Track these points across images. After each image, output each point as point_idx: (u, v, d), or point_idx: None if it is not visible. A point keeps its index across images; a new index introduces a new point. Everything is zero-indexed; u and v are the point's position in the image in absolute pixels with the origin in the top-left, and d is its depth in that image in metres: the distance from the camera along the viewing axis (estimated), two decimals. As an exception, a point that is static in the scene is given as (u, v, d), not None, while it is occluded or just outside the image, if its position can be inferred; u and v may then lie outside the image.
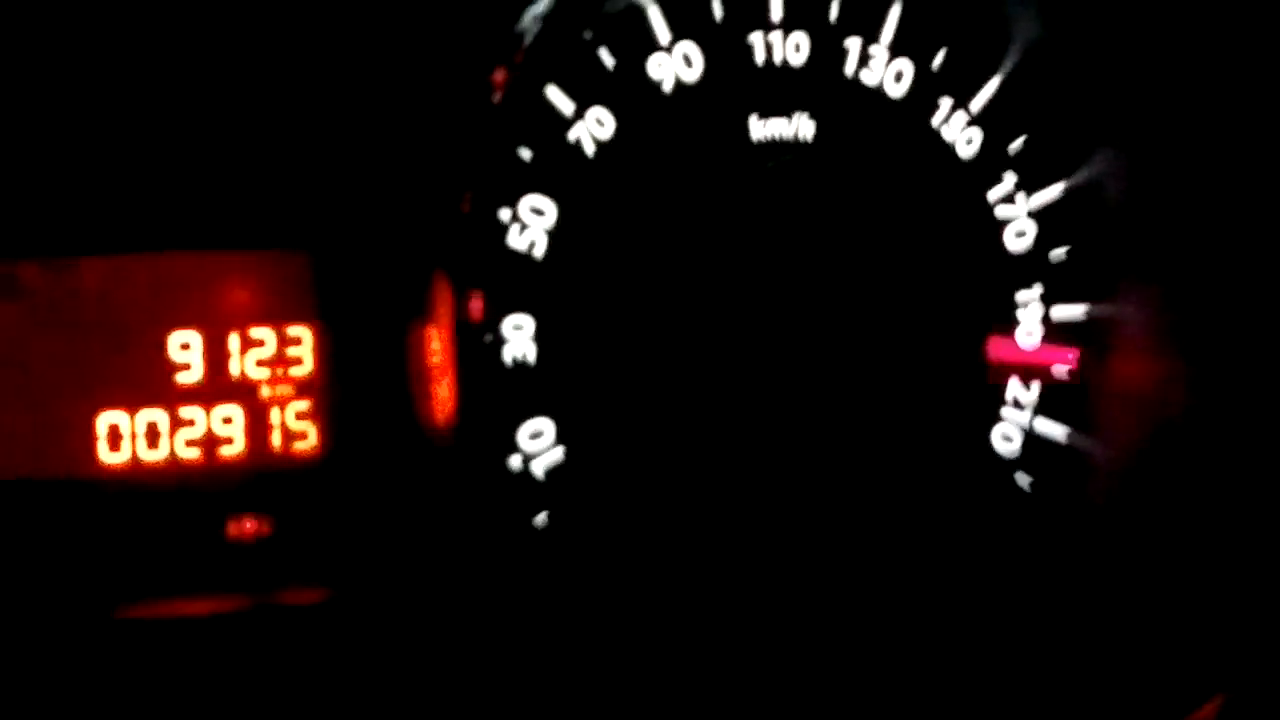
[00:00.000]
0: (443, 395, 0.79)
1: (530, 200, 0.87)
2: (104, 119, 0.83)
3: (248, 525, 0.86)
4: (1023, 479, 0.97)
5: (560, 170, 0.87)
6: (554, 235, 0.88)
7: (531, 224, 0.87)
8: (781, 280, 0.90)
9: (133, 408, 0.85)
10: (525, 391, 0.88)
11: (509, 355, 0.87)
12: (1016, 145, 0.95)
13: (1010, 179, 0.95)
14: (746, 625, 0.90)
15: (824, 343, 0.90)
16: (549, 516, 0.88)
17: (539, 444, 0.88)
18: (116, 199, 0.84)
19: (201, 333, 0.85)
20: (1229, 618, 0.89)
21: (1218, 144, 0.91)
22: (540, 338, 0.88)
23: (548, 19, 0.76)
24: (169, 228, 0.84)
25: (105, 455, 0.85)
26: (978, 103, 0.94)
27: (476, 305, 0.78)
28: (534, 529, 0.87)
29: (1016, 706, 0.89)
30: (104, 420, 0.85)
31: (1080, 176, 0.96)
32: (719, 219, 0.89)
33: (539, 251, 0.87)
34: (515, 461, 0.88)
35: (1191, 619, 0.90)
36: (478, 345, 0.80)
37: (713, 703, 0.87)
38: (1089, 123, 0.95)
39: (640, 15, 0.88)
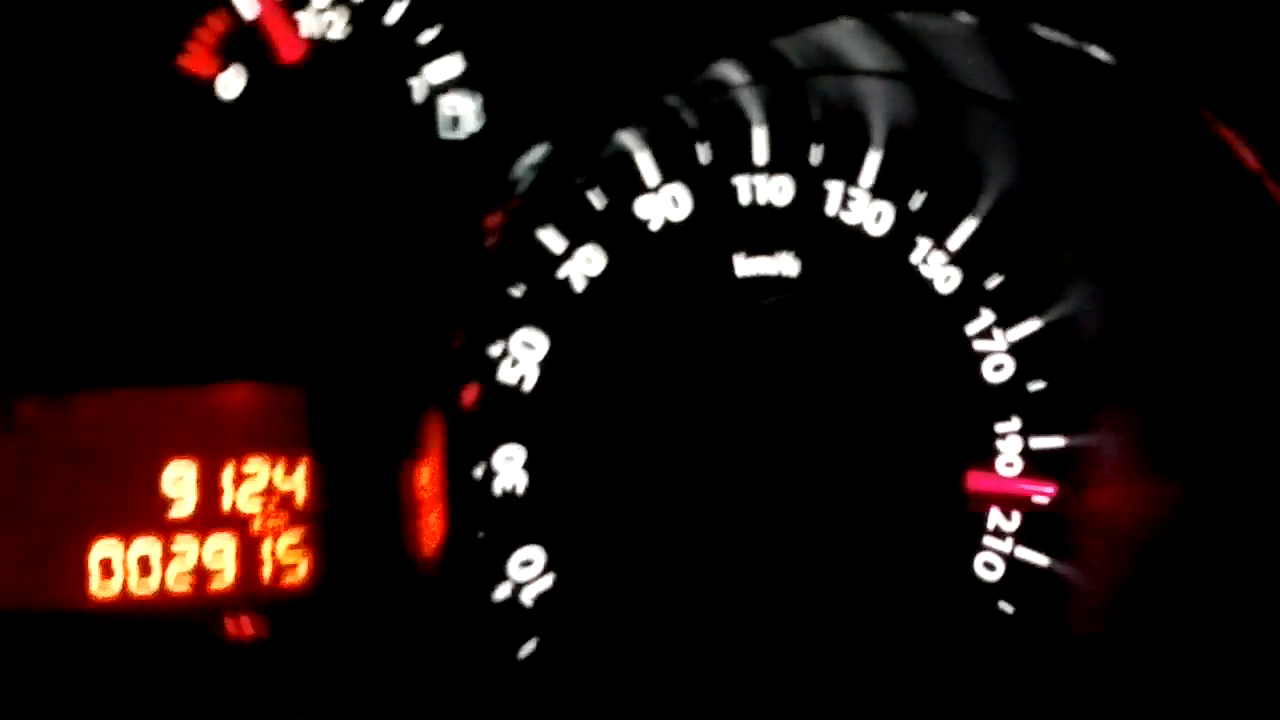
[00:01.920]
0: (432, 527, 0.80)
1: (521, 335, 0.89)
2: (101, 257, 0.85)
3: (245, 628, 0.87)
4: (1006, 606, 0.98)
5: (550, 306, 0.90)
6: (545, 368, 0.90)
7: (522, 358, 0.89)
8: (767, 414, 0.92)
9: (126, 539, 0.86)
10: (515, 521, 0.89)
11: (499, 486, 0.89)
12: (994, 282, 0.98)
13: (988, 314, 0.98)
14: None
15: (809, 475, 0.92)
16: (538, 645, 0.89)
17: (529, 572, 0.89)
18: (113, 334, 0.86)
19: (195, 464, 0.87)
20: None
21: (1190, 278, 0.94)
22: (531, 468, 0.89)
23: (542, 167, 0.79)
24: (165, 362, 0.86)
25: (96, 588, 0.85)
26: (955, 242, 0.97)
27: (465, 439, 0.80)
28: (521, 658, 0.87)
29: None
30: (96, 553, 0.85)
31: (1056, 311, 0.99)
32: (705, 354, 0.92)
33: (529, 385, 0.90)
34: (504, 591, 0.89)
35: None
36: (466, 478, 0.81)
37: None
38: (1064, 260, 0.99)
39: (629, 159, 0.91)
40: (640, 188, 0.92)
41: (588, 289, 0.91)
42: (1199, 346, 0.94)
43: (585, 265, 0.91)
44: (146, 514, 0.86)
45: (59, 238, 0.84)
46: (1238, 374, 0.93)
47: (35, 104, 0.83)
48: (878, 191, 0.96)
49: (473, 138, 0.88)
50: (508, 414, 0.89)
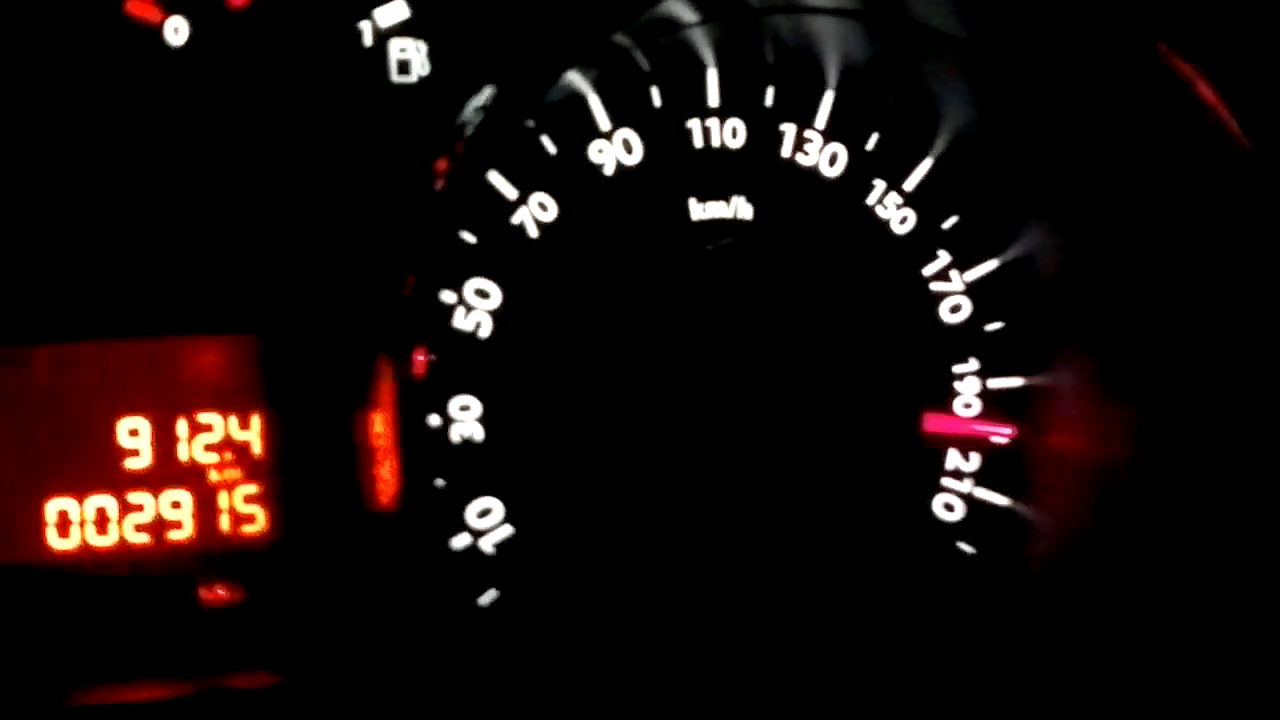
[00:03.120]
0: (386, 476, 0.80)
1: (475, 283, 0.89)
2: (50, 207, 0.85)
3: (219, 592, 0.87)
4: (966, 546, 0.99)
5: (504, 253, 0.89)
6: (499, 317, 0.89)
7: (476, 306, 0.89)
8: (723, 357, 0.92)
9: (81, 494, 0.85)
10: (472, 470, 0.89)
11: (456, 435, 0.89)
12: (950, 223, 0.98)
13: (945, 256, 0.98)
14: (694, 695, 0.91)
15: (766, 418, 0.92)
16: (498, 593, 0.89)
17: (487, 521, 0.90)
18: (64, 287, 0.85)
19: (150, 418, 0.86)
20: (1170, 681, 0.91)
21: (1146, 216, 0.94)
22: (487, 417, 0.89)
23: (489, 109, 0.78)
24: (116, 314, 0.86)
25: (54, 541, 0.85)
26: (911, 183, 0.97)
27: (417, 386, 0.80)
28: (480, 606, 0.88)
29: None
30: (53, 507, 0.85)
31: (1013, 252, 0.99)
32: (660, 299, 0.91)
33: (484, 333, 0.89)
34: (463, 540, 0.89)
35: (1131, 683, 0.92)
36: (419, 426, 0.81)
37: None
38: (1020, 200, 0.99)
39: (581, 103, 0.91)
40: (592, 132, 0.91)
41: (541, 236, 0.90)
42: (1156, 284, 0.95)
43: (538, 211, 0.90)
44: (103, 467, 0.85)
45: (7, 189, 0.83)
46: (1193, 310, 0.93)
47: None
48: (832, 133, 0.95)
49: (422, 82, 0.87)
50: (463, 363, 0.89)
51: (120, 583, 0.86)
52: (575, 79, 0.89)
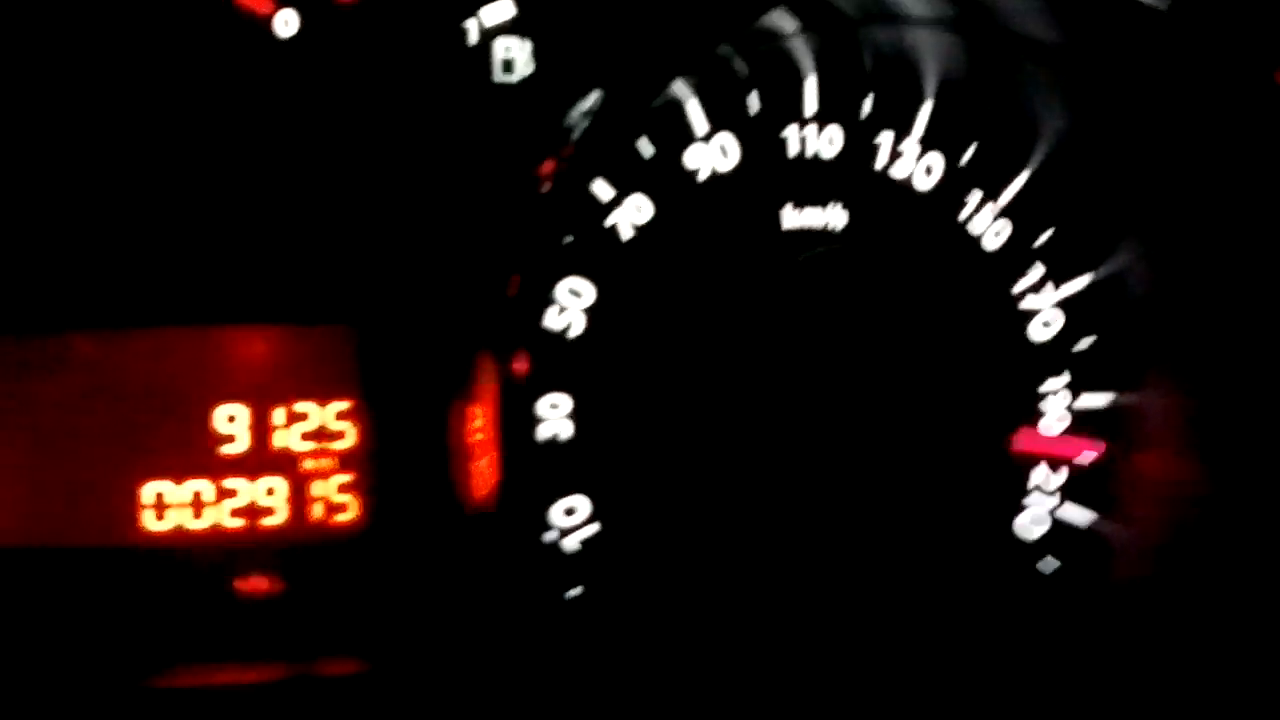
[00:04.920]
0: (483, 471, 0.80)
1: (568, 282, 0.90)
2: (159, 194, 0.86)
3: (256, 583, 0.88)
4: (1048, 563, 0.98)
5: (598, 254, 0.90)
6: (590, 316, 0.90)
7: (569, 305, 0.90)
8: (811, 366, 0.92)
9: (178, 478, 0.87)
10: (560, 469, 0.90)
11: (544, 433, 0.89)
12: (1044, 238, 0.97)
13: (1037, 270, 0.97)
14: (777, 700, 0.91)
15: (854, 427, 0.92)
16: (583, 590, 0.90)
17: (573, 519, 0.90)
18: (167, 272, 0.87)
19: (247, 406, 0.88)
20: (1246, 701, 0.90)
21: (1242, 237, 0.94)
22: (576, 416, 0.90)
23: (596, 115, 0.79)
24: (218, 302, 0.87)
25: (150, 523, 0.87)
26: (1006, 196, 0.97)
27: (520, 383, 0.80)
28: (566, 603, 0.88)
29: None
30: (149, 489, 0.87)
31: (1106, 268, 0.98)
32: (751, 305, 0.91)
33: (575, 332, 0.90)
34: (550, 536, 0.89)
35: (1210, 701, 0.91)
36: (520, 423, 0.82)
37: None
38: (1115, 216, 0.98)
39: (679, 108, 0.91)
40: (689, 137, 0.91)
41: (635, 238, 0.91)
42: (1247, 305, 0.94)
43: (633, 214, 0.91)
44: (199, 451, 0.87)
45: (116, 176, 0.85)
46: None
47: (93, 41, 0.84)
48: (928, 143, 0.95)
49: (525, 82, 0.88)
50: (553, 361, 0.89)
51: (201, 569, 0.88)
52: (675, 83, 0.89)
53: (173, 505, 0.87)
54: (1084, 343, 0.98)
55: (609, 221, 0.90)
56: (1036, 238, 0.97)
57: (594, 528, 0.90)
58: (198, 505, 0.87)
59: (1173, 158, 0.95)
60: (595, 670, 0.87)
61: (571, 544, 0.90)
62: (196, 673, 0.85)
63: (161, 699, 0.84)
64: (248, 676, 0.85)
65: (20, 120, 0.84)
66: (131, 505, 0.87)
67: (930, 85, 0.95)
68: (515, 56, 0.88)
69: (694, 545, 0.92)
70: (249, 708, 0.84)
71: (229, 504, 0.87)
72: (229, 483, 0.87)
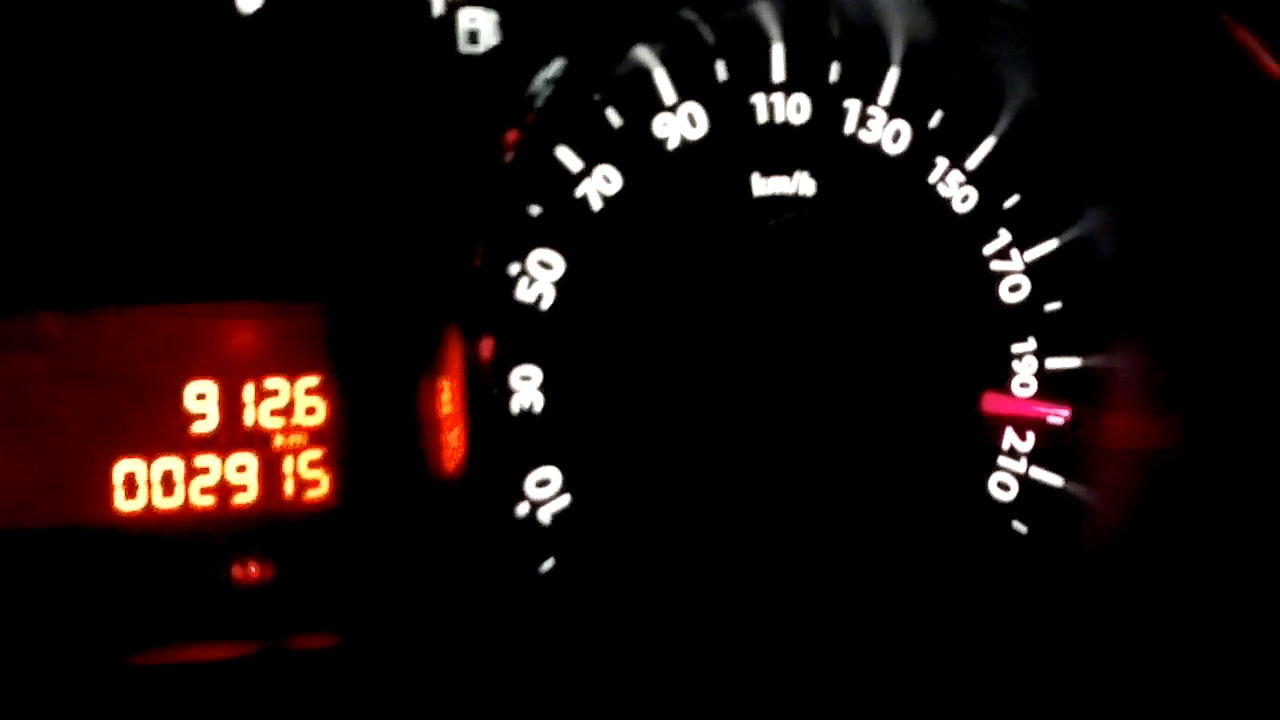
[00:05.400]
0: (452, 444, 0.81)
1: (538, 254, 0.89)
2: (123, 172, 0.85)
3: (252, 569, 0.88)
4: (1019, 525, 0.99)
5: (567, 225, 0.90)
6: (561, 288, 0.90)
7: (539, 277, 0.90)
8: (782, 332, 0.92)
9: (149, 456, 0.87)
10: (532, 440, 0.90)
11: (516, 405, 0.90)
12: (1011, 202, 0.98)
13: (1005, 235, 0.98)
14: (748, 667, 0.92)
15: (824, 392, 0.93)
16: (555, 562, 0.90)
17: (545, 491, 0.90)
18: (135, 251, 0.86)
19: (217, 383, 0.87)
20: (1216, 662, 0.91)
21: (1209, 201, 0.94)
22: (547, 388, 0.90)
23: (559, 82, 0.78)
24: (186, 279, 0.87)
25: (121, 503, 0.87)
26: (973, 161, 0.97)
27: (486, 355, 0.80)
28: (539, 574, 0.89)
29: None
30: (120, 468, 0.87)
31: (1073, 232, 0.99)
32: (721, 273, 0.92)
33: (546, 304, 0.90)
34: (522, 509, 0.90)
35: (1179, 662, 0.92)
36: (487, 395, 0.82)
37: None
38: (1082, 180, 0.98)
39: (646, 77, 0.91)
40: (657, 106, 0.91)
41: (604, 208, 0.91)
42: (1214, 269, 0.94)
43: (602, 184, 0.91)
44: (169, 430, 0.87)
45: (79, 153, 0.84)
46: (1251, 297, 0.93)
47: (56, 17, 0.83)
48: (896, 110, 0.95)
49: (491, 52, 0.87)
50: (524, 333, 0.89)
51: (171, 547, 0.87)
52: (641, 52, 0.89)
53: (143, 484, 0.87)
54: (1052, 306, 0.99)
55: (578, 192, 0.90)
56: (1004, 202, 0.97)
57: (565, 500, 0.90)
58: (168, 483, 0.87)
59: (1139, 124, 0.95)
60: (569, 643, 0.88)
61: (544, 516, 0.90)
62: (170, 650, 0.85)
63: (135, 675, 0.84)
64: (222, 653, 0.85)
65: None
66: (103, 485, 0.86)
67: (897, 51, 0.95)
68: (480, 27, 0.88)
69: (667, 515, 0.92)
70: (223, 683, 0.84)
71: (200, 481, 0.87)
72: (200, 460, 0.87)
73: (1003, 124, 0.97)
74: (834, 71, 0.94)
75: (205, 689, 0.84)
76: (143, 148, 0.85)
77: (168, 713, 0.84)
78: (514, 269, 0.89)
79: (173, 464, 0.87)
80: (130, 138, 0.85)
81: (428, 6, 0.87)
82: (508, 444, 0.87)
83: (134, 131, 0.85)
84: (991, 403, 0.97)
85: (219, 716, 0.84)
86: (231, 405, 0.87)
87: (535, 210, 0.89)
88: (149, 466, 0.87)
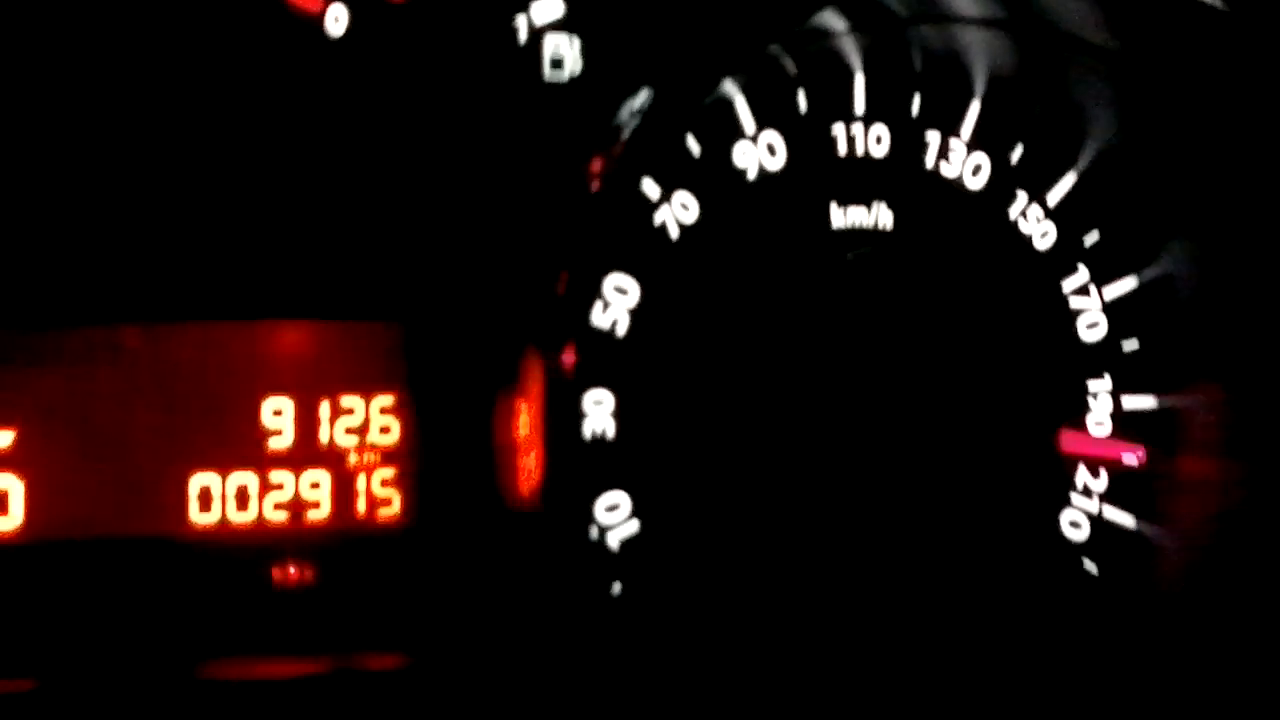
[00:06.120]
0: (528, 467, 0.81)
1: (614, 279, 0.90)
2: (210, 190, 0.87)
3: (291, 572, 0.88)
4: (1091, 565, 0.98)
5: (644, 252, 0.90)
6: (636, 314, 0.90)
7: (614, 302, 0.90)
8: (859, 365, 0.92)
9: (224, 470, 0.88)
10: (603, 466, 0.90)
11: (588, 430, 0.90)
12: (1091, 239, 0.97)
13: (1084, 271, 0.97)
14: (814, 691, 0.91)
15: (900, 427, 0.92)
16: (624, 586, 0.90)
17: (615, 516, 0.90)
18: (217, 267, 0.87)
19: (293, 399, 0.88)
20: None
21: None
22: (619, 414, 0.90)
23: (646, 113, 0.79)
24: (266, 296, 0.88)
25: (196, 516, 0.87)
26: (1054, 196, 0.96)
27: (567, 377, 0.81)
28: (610, 598, 0.89)
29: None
30: (196, 482, 0.87)
31: (1153, 270, 0.98)
32: (798, 304, 0.91)
33: (621, 330, 0.90)
34: (593, 533, 0.90)
35: (1246, 704, 0.91)
36: (564, 420, 0.82)
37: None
38: (1162, 219, 0.97)
39: (727, 106, 0.91)
40: (737, 135, 0.91)
41: (681, 236, 0.91)
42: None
43: (680, 212, 0.91)
44: (245, 446, 0.87)
45: (171, 171, 0.86)
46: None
47: (147, 37, 0.84)
48: (977, 143, 0.94)
49: (574, 80, 0.88)
50: (599, 359, 0.90)
51: (244, 562, 0.88)
52: (724, 82, 0.89)
53: (218, 498, 0.87)
54: (1129, 344, 0.98)
55: (656, 220, 0.90)
56: (1084, 239, 0.97)
57: (635, 526, 0.90)
58: (243, 498, 0.87)
59: (1220, 163, 0.94)
60: (636, 667, 0.87)
61: (613, 542, 0.90)
62: (238, 665, 0.86)
63: (202, 690, 0.85)
64: (289, 670, 0.85)
65: (78, 113, 0.84)
66: (179, 498, 0.87)
67: (979, 84, 0.95)
68: (564, 54, 0.88)
69: (735, 545, 0.92)
70: (290, 701, 0.84)
71: (273, 497, 0.88)
72: (274, 476, 0.88)
73: (1084, 160, 0.96)
74: (915, 104, 0.94)
75: (272, 706, 0.85)
76: (230, 166, 0.86)
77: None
78: (589, 296, 0.89)
79: (247, 479, 0.88)
80: (218, 156, 0.86)
81: (513, 33, 0.88)
82: (581, 469, 0.88)
83: (222, 150, 0.86)
84: (1068, 441, 0.96)
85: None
86: (307, 422, 0.88)
87: (614, 238, 0.89)
88: (224, 481, 0.87)
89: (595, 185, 0.78)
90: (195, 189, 0.86)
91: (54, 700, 0.83)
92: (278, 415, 0.88)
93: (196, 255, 0.87)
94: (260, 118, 0.87)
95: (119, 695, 0.84)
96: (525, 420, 0.81)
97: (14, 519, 0.85)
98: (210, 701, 0.85)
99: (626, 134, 0.78)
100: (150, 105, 0.85)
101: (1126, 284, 0.98)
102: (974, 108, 0.94)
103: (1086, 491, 0.98)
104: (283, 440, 0.88)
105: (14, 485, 0.85)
